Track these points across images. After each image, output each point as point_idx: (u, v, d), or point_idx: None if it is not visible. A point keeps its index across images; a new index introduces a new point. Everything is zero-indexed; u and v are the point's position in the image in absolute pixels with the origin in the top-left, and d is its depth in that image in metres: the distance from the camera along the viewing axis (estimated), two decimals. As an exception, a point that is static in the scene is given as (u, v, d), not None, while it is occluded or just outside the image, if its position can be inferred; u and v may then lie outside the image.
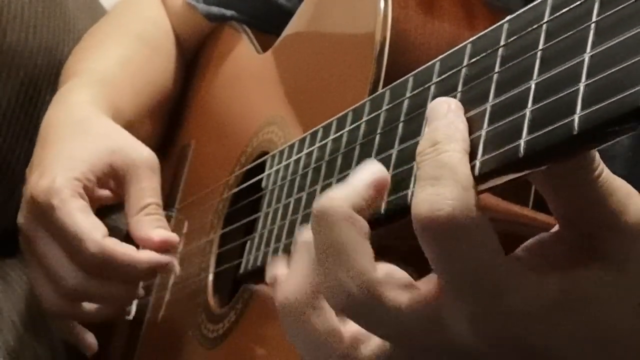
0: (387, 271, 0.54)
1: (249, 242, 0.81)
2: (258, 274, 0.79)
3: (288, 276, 0.60)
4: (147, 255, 0.85)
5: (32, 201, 0.87)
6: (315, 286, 0.58)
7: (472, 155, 0.52)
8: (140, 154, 0.90)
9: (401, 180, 0.58)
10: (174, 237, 0.87)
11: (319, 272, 0.55)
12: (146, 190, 0.88)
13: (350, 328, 0.58)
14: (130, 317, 0.99)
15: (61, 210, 0.85)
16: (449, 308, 0.53)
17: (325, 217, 0.54)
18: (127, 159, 0.89)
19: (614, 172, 0.51)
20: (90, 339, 0.92)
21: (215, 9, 1.06)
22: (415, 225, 0.51)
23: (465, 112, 0.54)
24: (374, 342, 0.57)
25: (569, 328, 0.52)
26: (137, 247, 0.87)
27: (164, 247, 0.86)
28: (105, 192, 0.91)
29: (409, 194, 0.57)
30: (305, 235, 0.59)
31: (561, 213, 0.52)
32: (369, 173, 0.57)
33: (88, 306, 0.89)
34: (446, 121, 0.53)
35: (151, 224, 0.87)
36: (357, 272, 0.53)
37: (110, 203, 0.92)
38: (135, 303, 0.98)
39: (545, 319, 0.51)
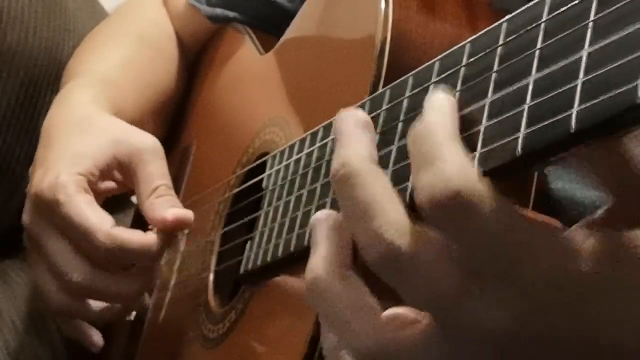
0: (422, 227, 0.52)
1: (249, 242, 0.81)
2: (258, 273, 0.79)
3: (312, 256, 0.58)
4: (155, 236, 0.85)
5: (37, 198, 0.87)
6: (342, 257, 0.57)
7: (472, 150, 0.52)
8: (143, 142, 0.90)
9: (401, 176, 0.58)
10: (188, 213, 0.87)
11: (352, 231, 0.54)
12: (154, 173, 0.89)
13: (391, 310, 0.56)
14: (131, 317, 0.99)
15: (68, 205, 0.85)
16: (476, 293, 0.50)
17: (349, 179, 0.54)
18: (131, 147, 0.89)
19: None
20: (95, 335, 0.92)
21: (217, 10, 1.06)
22: (421, 212, 0.50)
23: (464, 110, 0.54)
24: (417, 327, 0.54)
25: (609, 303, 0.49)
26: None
27: (179, 225, 0.86)
28: (111, 185, 0.91)
29: (409, 186, 0.57)
30: (317, 216, 0.58)
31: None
32: (354, 120, 0.57)
33: (93, 305, 0.89)
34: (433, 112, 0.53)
35: (164, 205, 0.87)
36: (394, 222, 0.52)
37: (115, 193, 0.92)
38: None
39: (581, 293, 0.49)
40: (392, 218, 0.52)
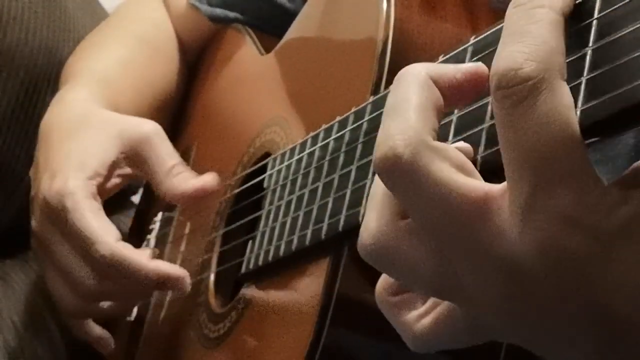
0: (442, 145, 0.46)
1: (250, 242, 0.81)
2: (260, 273, 0.79)
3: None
4: (157, 265, 0.85)
5: (45, 204, 0.87)
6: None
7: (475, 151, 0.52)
8: (143, 127, 0.91)
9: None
10: (208, 182, 0.88)
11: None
12: (164, 155, 0.90)
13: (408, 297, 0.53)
14: (132, 317, 0.99)
15: (74, 212, 0.85)
16: (510, 211, 0.44)
17: (400, 77, 0.48)
18: (134, 136, 0.90)
19: (616, 172, 0.50)
20: (107, 337, 0.92)
21: (218, 11, 1.06)
22: (491, 87, 0.44)
23: (466, 109, 0.54)
24: (434, 313, 0.51)
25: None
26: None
27: (201, 194, 0.88)
28: (116, 181, 0.91)
29: None
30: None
31: None
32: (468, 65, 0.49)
33: (104, 304, 0.90)
34: None
35: (183, 181, 0.88)
36: (406, 126, 0.46)
37: (123, 185, 0.93)
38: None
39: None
40: (406, 123, 0.46)
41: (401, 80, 0.48)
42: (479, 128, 0.52)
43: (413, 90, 0.47)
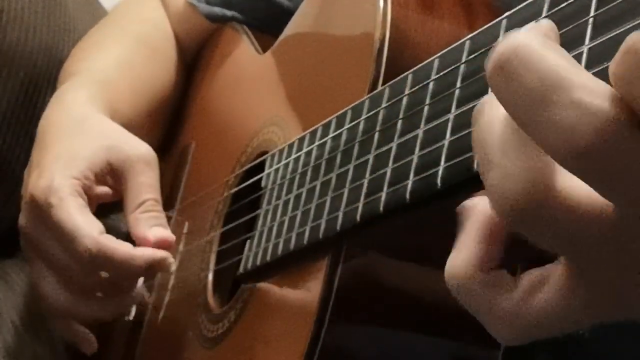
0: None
1: (248, 241, 0.81)
2: (258, 273, 0.79)
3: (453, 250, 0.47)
4: (143, 252, 0.84)
5: (32, 201, 0.87)
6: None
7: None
8: (136, 150, 0.89)
9: (401, 172, 0.59)
10: (170, 235, 0.86)
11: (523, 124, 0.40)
12: (143, 185, 0.88)
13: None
14: (131, 317, 0.99)
15: (58, 208, 0.84)
16: None
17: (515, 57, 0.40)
18: (124, 155, 0.89)
19: None
20: (90, 338, 0.92)
21: (216, 9, 1.06)
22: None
23: (463, 107, 0.54)
24: (547, 289, 0.45)
25: None
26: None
27: (160, 246, 0.85)
28: (104, 190, 0.90)
29: (409, 184, 0.57)
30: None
31: None
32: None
33: (90, 306, 0.89)
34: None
35: (148, 222, 0.86)
36: (576, 100, 0.38)
37: (109, 200, 0.92)
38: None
39: None
40: (575, 95, 0.38)
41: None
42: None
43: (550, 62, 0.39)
